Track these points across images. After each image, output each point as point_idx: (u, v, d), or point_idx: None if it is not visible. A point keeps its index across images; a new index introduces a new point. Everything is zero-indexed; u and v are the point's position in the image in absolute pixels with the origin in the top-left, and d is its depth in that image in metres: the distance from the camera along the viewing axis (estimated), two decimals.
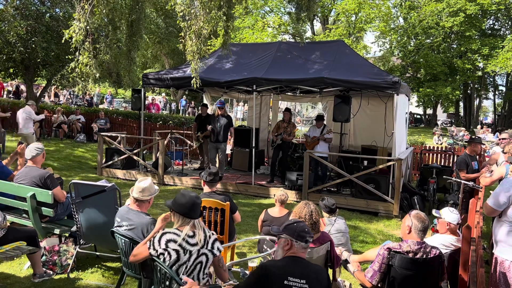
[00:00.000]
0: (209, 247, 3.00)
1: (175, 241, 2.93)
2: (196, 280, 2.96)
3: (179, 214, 3.01)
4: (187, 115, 22.96)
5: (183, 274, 2.93)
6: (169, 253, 2.92)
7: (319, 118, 9.56)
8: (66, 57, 12.06)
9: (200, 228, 3.01)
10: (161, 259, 2.94)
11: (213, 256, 3.01)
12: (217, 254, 3.03)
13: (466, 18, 26.45)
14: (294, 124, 9.79)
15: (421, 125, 36.97)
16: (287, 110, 9.82)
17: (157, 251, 2.94)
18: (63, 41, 6.82)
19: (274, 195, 4.94)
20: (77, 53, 7.08)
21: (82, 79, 7.30)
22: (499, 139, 7.55)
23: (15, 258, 4.76)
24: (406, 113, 10.34)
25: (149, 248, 2.99)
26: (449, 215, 4.02)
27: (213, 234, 3.07)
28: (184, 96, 27.19)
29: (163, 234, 2.99)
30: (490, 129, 28.44)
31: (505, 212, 3.61)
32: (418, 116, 39.33)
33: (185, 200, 3.00)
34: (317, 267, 2.77)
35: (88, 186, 4.53)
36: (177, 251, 2.92)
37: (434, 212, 4.32)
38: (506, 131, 9.20)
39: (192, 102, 27.29)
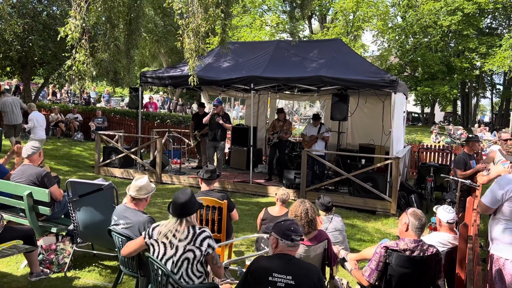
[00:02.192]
0: (197, 244, 2.98)
1: (163, 233, 3.02)
2: (186, 277, 2.99)
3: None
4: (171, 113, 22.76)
5: (171, 270, 2.98)
6: (158, 245, 3.02)
7: (316, 117, 9.58)
8: (63, 55, 12.03)
9: (187, 224, 3.04)
10: (151, 250, 3.05)
11: (201, 253, 2.98)
12: (209, 252, 3.02)
13: (463, 17, 26.50)
14: (290, 122, 9.80)
15: (418, 123, 37.03)
16: (281, 111, 9.82)
17: (150, 238, 3.06)
18: (58, 38, 6.79)
19: (276, 194, 4.94)
20: (73, 51, 7.05)
21: (79, 77, 7.27)
22: (500, 139, 7.54)
23: (11, 257, 4.75)
24: (404, 111, 10.35)
25: (144, 238, 3.10)
26: (441, 212, 4.04)
27: (204, 232, 3.05)
28: (167, 94, 27.13)
29: (157, 225, 3.11)
30: (487, 128, 28.51)
31: (500, 209, 3.62)
32: (416, 115, 39.39)
33: (174, 198, 3.10)
34: (307, 264, 2.80)
35: (85, 185, 4.52)
36: (164, 244, 3.00)
37: (434, 208, 4.34)
38: (503, 130, 9.22)
39: (180, 100, 27.14)
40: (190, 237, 2.99)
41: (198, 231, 3.03)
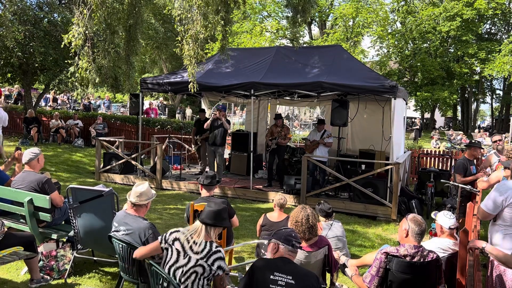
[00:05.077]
0: (209, 262, 2.98)
1: (180, 241, 3.05)
2: None
3: None
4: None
5: (179, 279, 2.97)
6: (172, 251, 3.03)
7: (320, 122, 9.57)
8: (65, 61, 12.08)
9: (206, 237, 3.05)
10: (165, 254, 3.07)
11: (210, 271, 2.98)
12: (219, 273, 3.01)
13: (462, 22, 26.58)
14: (287, 127, 9.81)
15: (411, 128, 37.00)
16: (278, 116, 9.84)
17: (166, 243, 3.08)
18: (62, 46, 6.83)
19: (273, 200, 4.94)
20: (76, 58, 7.08)
21: (82, 84, 7.29)
22: (493, 141, 7.60)
23: (12, 263, 4.74)
24: (404, 117, 10.36)
25: (160, 242, 3.12)
26: (442, 218, 4.04)
27: (219, 251, 3.03)
28: (167, 101, 27.00)
29: (175, 231, 3.13)
30: (487, 133, 28.49)
31: (500, 216, 3.62)
32: (416, 120, 39.38)
33: (207, 205, 3.20)
34: (306, 270, 2.87)
35: (85, 191, 4.52)
36: (178, 252, 3.02)
37: (433, 214, 4.34)
38: (497, 133, 9.33)
39: (161, 103, 27.04)
40: (205, 253, 2.99)
41: (214, 249, 3.02)
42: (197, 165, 12.07)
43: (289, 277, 2.68)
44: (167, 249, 3.06)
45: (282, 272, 2.71)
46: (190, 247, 3.00)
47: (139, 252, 3.29)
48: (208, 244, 3.02)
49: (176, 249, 3.02)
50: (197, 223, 3.11)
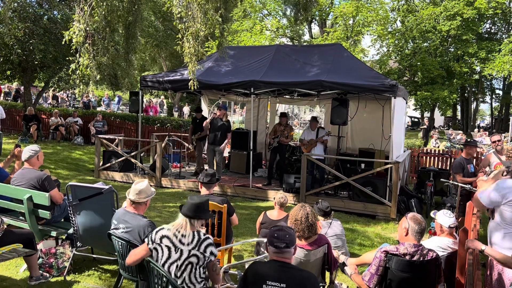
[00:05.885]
0: (201, 249, 3.03)
1: (168, 237, 3.06)
2: (189, 281, 3.01)
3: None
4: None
5: (175, 274, 2.99)
6: (162, 249, 3.04)
7: (313, 119, 9.55)
8: (66, 59, 12.05)
9: (192, 228, 3.08)
10: (155, 254, 3.07)
11: (204, 259, 3.04)
12: (211, 258, 3.08)
13: (463, 22, 26.55)
14: (291, 127, 9.83)
15: (418, 128, 37.01)
16: (284, 115, 9.85)
17: (154, 243, 3.08)
18: (62, 42, 6.82)
19: (274, 198, 4.93)
20: (77, 55, 7.07)
21: (83, 81, 7.29)
22: (493, 142, 7.62)
23: (11, 261, 4.73)
24: (405, 116, 10.35)
25: (148, 244, 3.12)
26: (442, 218, 4.04)
27: (208, 238, 3.11)
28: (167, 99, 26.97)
29: (160, 229, 3.14)
30: (487, 133, 28.50)
31: (499, 212, 3.60)
32: (416, 119, 39.41)
33: (189, 198, 3.22)
34: (301, 271, 2.72)
35: (85, 189, 4.52)
36: (168, 248, 3.03)
37: (432, 213, 4.34)
38: (496, 133, 9.33)
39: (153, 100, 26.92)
40: (195, 242, 3.04)
41: (202, 237, 3.08)
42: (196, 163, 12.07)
43: (283, 285, 2.56)
44: (156, 248, 3.08)
45: (276, 280, 2.58)
46: (180, 240, 3.03)
47: (129, 260, 3.28)
48: (196, 233, 3.08)
49: (166, 245, 3.04)
50: (180, 218, 3.13)
